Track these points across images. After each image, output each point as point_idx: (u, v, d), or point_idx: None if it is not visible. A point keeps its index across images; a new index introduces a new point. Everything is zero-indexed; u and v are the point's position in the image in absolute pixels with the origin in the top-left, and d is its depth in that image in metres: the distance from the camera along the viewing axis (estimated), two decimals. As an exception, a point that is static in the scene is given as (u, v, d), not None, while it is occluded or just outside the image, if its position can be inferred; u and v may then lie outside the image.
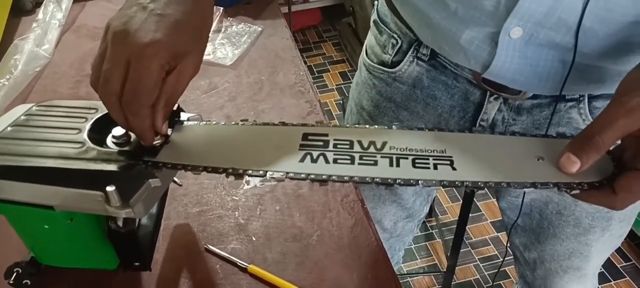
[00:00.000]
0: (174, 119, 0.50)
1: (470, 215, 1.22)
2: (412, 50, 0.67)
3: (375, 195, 0.85)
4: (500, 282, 1.57)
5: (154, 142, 0.45)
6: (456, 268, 1.44)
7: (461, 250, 1.38)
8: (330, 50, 2.56)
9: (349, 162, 0.43)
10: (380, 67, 0.72)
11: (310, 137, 0.46)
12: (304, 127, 0.47)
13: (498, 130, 0.64)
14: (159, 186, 0.44)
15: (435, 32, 0.60)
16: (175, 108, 0.50)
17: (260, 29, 0.95)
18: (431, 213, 1.73)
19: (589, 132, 0.41)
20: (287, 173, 0.42)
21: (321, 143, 0.45)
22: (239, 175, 0.43)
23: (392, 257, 1.01)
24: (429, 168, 0.41)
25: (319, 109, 0.78)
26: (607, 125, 0.40)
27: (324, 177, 0.41)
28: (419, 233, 1.69)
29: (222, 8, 0.97)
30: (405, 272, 1.58)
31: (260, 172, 0.43)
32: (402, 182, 0.40)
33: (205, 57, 1.00)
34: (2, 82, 0.80)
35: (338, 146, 0.45)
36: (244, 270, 0.56)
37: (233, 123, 0.50)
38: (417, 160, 0.42)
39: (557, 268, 0.81)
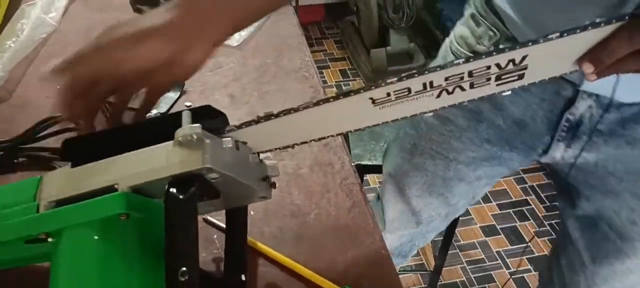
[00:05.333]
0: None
1: (460, 218, 1.23)
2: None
3: (426, 182, 0.84)
4: (486, 285, 1.59)
5: None
6: (443, 269, 1.45)
7: (449, 252, 1.40)
8: (332, 47, 2.57)
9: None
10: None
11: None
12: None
13: (583, 130, 0.66)
14: (230, 148, 0.43)
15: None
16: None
17: (267, 13, 0.96)
18: (422, 214, 1.74)
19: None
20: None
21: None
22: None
23: (410, 250, 1.02)
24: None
25: (322, 95, 0.79)
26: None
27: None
28: (409, 233, 1.71)
29: (231, -10, 0.98)
30: (393, 270, 1.60)
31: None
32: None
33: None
34: (8, 44, 0.80)
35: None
36: (242, 242, 0.57)
37: None
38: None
39: None
